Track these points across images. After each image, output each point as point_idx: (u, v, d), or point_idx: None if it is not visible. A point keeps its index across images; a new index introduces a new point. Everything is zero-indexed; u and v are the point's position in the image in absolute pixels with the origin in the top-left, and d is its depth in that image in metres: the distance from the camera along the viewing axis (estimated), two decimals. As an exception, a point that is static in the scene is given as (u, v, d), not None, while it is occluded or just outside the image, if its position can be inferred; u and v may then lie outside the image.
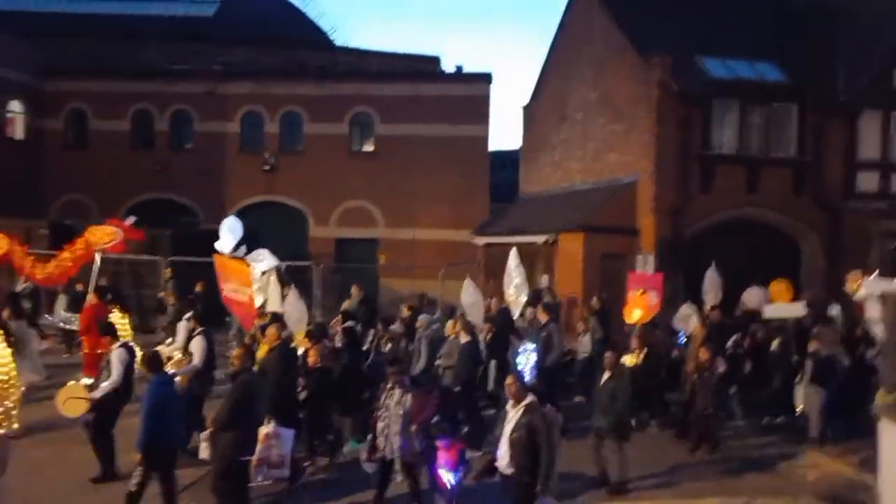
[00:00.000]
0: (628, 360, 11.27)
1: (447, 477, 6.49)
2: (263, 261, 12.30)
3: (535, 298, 13.91)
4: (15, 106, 25.19)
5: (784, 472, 9.30)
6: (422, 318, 11.47)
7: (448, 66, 27.66)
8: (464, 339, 9.99)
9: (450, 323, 10.89)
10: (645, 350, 10.64)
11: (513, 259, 12.11)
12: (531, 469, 5.75)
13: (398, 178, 24.46)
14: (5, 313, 11.22)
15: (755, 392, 11.38)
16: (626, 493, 8.01)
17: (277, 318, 10.14)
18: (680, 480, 8.77)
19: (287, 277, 13.95)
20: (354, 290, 14.50)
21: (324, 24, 32.26)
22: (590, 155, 19.60)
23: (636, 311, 11.67)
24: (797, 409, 10.57)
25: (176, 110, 25.49)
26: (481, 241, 22.23)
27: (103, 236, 11.77)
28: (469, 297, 12.24)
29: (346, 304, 13.56)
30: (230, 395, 6.63)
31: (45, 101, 25.63)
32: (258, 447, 7.11)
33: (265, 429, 7.30)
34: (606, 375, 8.18)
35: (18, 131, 25.46)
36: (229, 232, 11.23)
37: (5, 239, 11.83)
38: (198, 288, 14.98)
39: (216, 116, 25.27)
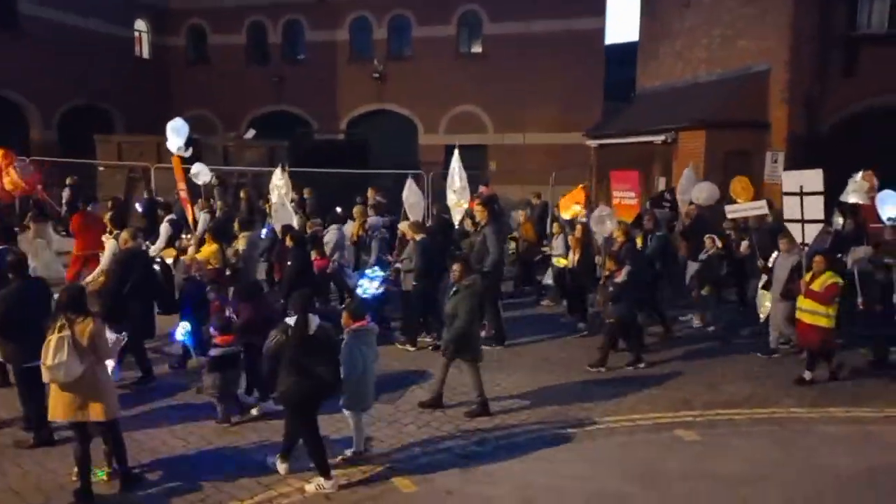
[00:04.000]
0: (560, 261, 10.80)
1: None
2: (199, 174, 12.84)
3: (655, 203, 13.20)
4: (140, 25, 26.14)
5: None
6: (371, 220, 11.16)
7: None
8: (418, 237, 9.51)
9: (402, 225, 10.45)
10: (579, 251, 10.07)
11: (455, 161, 11.35)
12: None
13: (507, 80, 23.65)
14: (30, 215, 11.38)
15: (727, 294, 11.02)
16: (489, 414, 7.11)
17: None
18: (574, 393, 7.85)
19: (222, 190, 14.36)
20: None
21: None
22: (716, 43, 17.87)
23: (574, 207, 10.83)
24: (761, 318, 9.64)
25: (288, 21, 25.58)
26: (594, 143, 21.25)
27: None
28: (412, 196, 11.90)
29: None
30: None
31: (168, 18, 26.41)
32: None
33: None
34: (452, 291, 7.26)
35: (145, 50, 26.53)
36: (174, 133, 10.96)
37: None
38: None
39: (326, 25, 25.18)
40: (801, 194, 8.46)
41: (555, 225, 11.75)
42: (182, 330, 7.33)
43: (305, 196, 15.16)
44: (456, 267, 7.33)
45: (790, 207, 8.61)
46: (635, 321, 8.97)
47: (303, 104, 25.61)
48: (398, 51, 24.98)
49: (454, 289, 7.22)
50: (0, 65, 20.43)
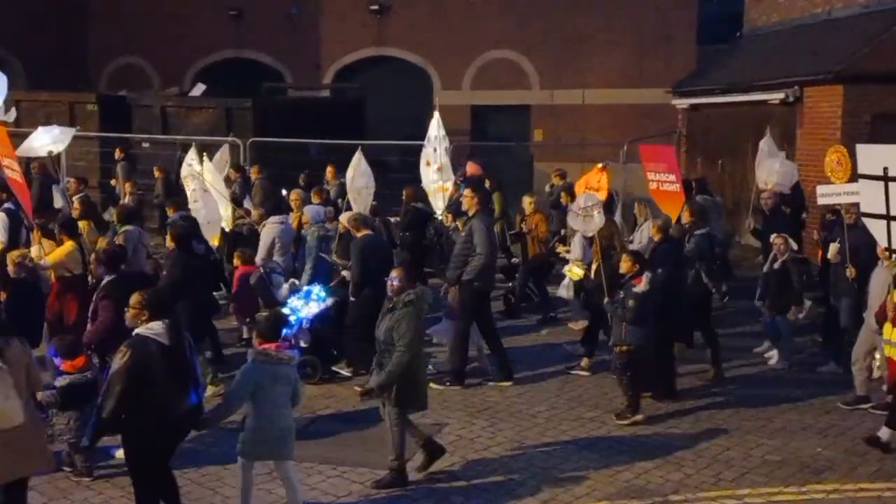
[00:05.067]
0: (573, 271, 10.98)
1: None
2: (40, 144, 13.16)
3: (699, 188, 13.43)
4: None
5: None
6: (307, 211, 11.59)
7: None
8: (360, 234, 9.99)
9: (343, 217, 10.98)
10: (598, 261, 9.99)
11: (435, 127, 12.09)
12: None
13: (560, 14, 23.52)
14: None
15: None
16: (403, 484, 7.25)
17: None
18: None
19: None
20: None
21: None
22: (859, -39, 17.73)
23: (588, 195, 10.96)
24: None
25: (250, -70, 25.69)
26: (683, 102, 21.16)
27: None
28: (360, 176, 12.10)
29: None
30: None
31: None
32: None
33: None
34: (385, 308, 7.40)
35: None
36: None
37: None
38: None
39: (303, -64, 25.24)
40: (886, 179, 8.23)
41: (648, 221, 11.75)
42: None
43: (252, 176, 15.46)
44: (394, 274, 7.38)
45: (871, 196, 8.41)
46: (664, 352, 8.95)
47: (271, 49, 25.61)
48: (406, -28, 24.88)
49: (389, 306, 7.30)
50: None
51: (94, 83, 25.88)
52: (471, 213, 9.95)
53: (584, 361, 10.40)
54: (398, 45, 25.04)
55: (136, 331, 5.96)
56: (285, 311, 8.61)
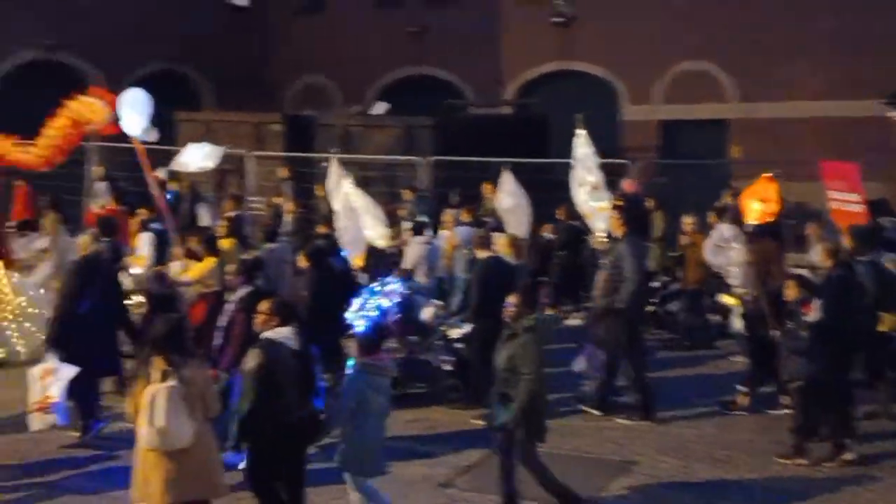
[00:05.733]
0: (729, 298, 10.91)
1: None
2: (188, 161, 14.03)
3: (878, 208, 12.44)
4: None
5: None
6: (458, 232, 11.75)
7: None
8: (482, 254, 10.05)
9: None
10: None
11: (584, 144, 11.93)
12: None
13: (761, 20, 22.24)
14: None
15: None
16: None
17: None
18: None
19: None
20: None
21: None
22: None
23: (754, 206, 10.58)
24: None
25: (434, -54, 25.90)
26: (903, 114, 19.49)
27: (91, 113, 12.28)
28: (508, 196, 12.25)
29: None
30: None
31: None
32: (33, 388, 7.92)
33: (45, 363, 8.15)
34: (505, 336, 7.30)
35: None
36: (132, 108, 11.69)
37: None
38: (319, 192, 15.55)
39: (487, -51, 25.19)
40: None
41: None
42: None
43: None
44: (510, 300, 7.35)
45: None
46: (841, 387, 8.50)
47: (453, 65, 25.67)
48: (592, -18, 24.33)
49: (508, 332, 7.28)
50: (57, 22, 21.90)
51: (279, 102, 26.60)
52: (619, 235, 9.69)
53: (741, 398, 9.87)
54: (583, 58, 24.57)
55: (265, 334, 6.20)
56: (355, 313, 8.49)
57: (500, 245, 10.25)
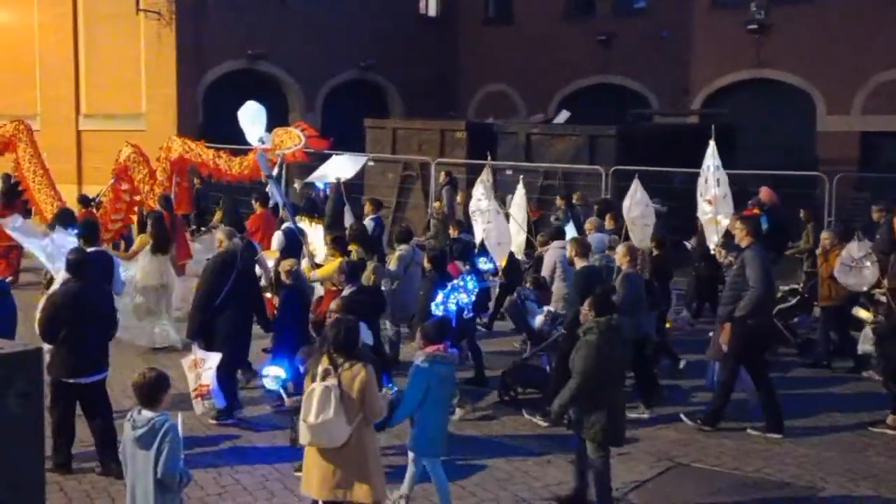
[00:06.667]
0: (862, 311, 10.48)
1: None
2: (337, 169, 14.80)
3: None
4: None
5: None
6: (592, 239, 11.50)
7: None
8: (579, 265, 9.80)
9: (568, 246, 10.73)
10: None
11: (711, 156, 11.59)
12: None
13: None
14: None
15: None
16: None
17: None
18: None
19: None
20: None
21: None
22: None
23: None
24: None
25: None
26: None
27: (287, 139, 13.30)
28: (636, 208, 11.97)
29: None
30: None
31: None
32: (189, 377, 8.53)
33: (193, 354, 8.67)
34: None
35: (430, 5, 28.37)
36: (251, 121, 12.27)
37: None
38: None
39: (677, -42, 24.81)
40: None
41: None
42: (272, 376, 7.79)
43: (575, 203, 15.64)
44: (586, 305, 7.40)
45: None
46: None
47: (638, 73, 25.47)
48: (789, -12, 23.61)
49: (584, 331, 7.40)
50: (255, 31, 23.28)
51: (464, 110, 27.21)
52: (744, 245, 9.43)
53: (891, 418, 9.31)
54: (778, 66, 23.75)
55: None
56: (435, 307, 8.93)
57: (618, 254, 10.12)
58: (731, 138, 21.04)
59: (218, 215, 16.77)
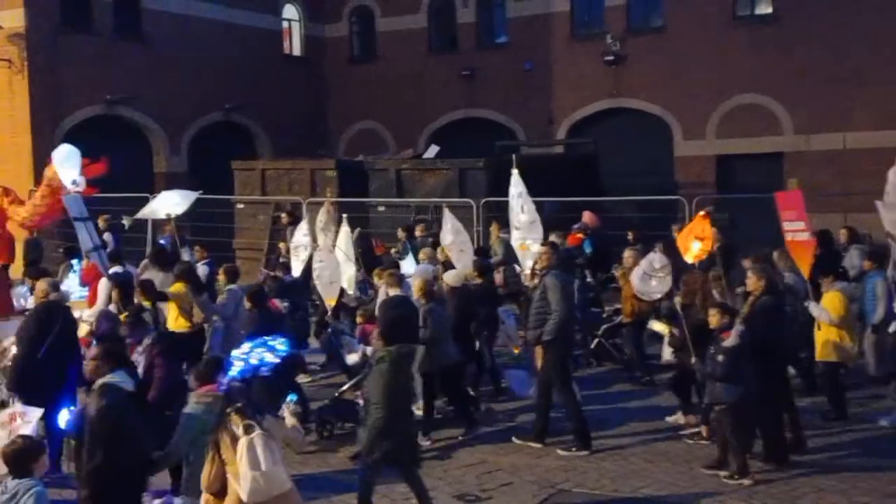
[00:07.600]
0: (658, 325, 10.86)
1: None
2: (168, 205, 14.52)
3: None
4: (290, 12, 28.16)
5: None
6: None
7: None
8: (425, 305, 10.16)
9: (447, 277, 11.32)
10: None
11: (515, 184, 12.55)
12: None
13: (816, 51, 22.19)
14: None
15: None
16: None
17: (45, 273, 11.53)
18: None
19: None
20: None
21: None
22: None
23: (693, 245, 10.63)
24: None
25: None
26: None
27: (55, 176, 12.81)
28: (449, 232, 12.77)
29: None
30: None
31: (325, 1, 28.35)
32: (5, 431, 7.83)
33: (10, 408, 8.25)
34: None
35: (295, 45, 28.42)
36: (61, 163, 12.26)
37: None
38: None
39: (534, -9, 25.51)
40: None
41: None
42: (63, 417, 7.51)
43: (493, 234, 15.73)
44: (375, 333, 7.82)
45: None
46: (769, 408, 8.75)
47: (503, 106, 26.00)
48: (642, 20, 24.61)
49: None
50: (115, 76, 22.84)
51: (334, 148, 27.24)
52: (544, 270, 9.98)
53: (683, 417, 10.25)
54: (634, 95, 24.60)
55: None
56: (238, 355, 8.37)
57: (415, 285, 10.52)
58: (596, 166, 21.78)
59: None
